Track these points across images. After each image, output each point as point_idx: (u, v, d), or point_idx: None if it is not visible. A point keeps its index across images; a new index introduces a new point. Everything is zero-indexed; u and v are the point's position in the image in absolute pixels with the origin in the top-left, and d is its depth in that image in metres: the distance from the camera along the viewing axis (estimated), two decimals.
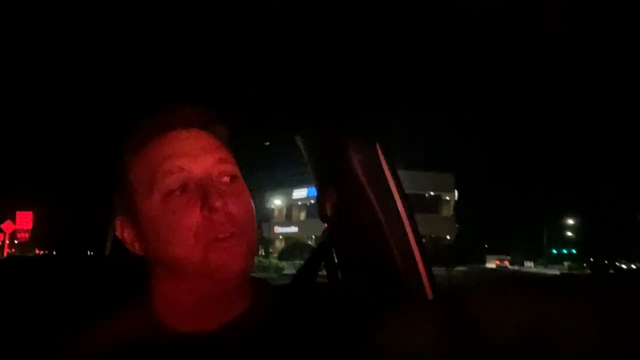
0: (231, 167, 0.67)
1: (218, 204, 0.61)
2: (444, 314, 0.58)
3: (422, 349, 0.56)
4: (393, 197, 0.93)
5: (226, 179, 0.65)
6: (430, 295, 0.91)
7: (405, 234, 0.92)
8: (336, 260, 0.94)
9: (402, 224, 0.92)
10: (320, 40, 0.87)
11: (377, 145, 0.94)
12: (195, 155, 0.64)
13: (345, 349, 0.62)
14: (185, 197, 0.62)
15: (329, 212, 0.92)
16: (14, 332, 0.82)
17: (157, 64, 0.93)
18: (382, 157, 0.94)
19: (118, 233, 0.69)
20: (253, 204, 0.68)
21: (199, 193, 0.62)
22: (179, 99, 0.71)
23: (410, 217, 0.94)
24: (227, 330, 0.64)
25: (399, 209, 0.93)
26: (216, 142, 0.68)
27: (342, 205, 0.93)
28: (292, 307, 0.70)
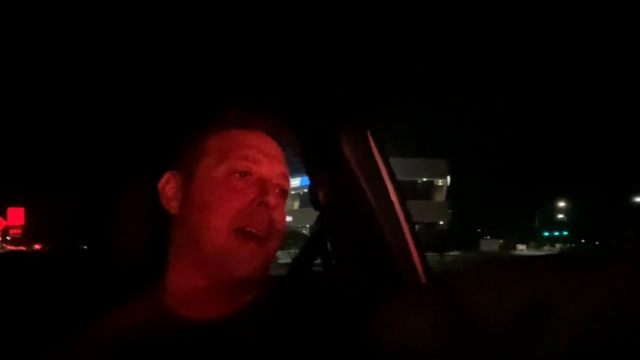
0: (288, 185, 0.73)
1: (272, 201, 0.65)
2: (437, 298, 0.59)
3: (417, 333, 0.57)
4: (385, 184, 0.93)
5: (280, 192, 0.71)
6: (424, 280, 0.92)
7: (398, 219, 0.92)
8: (330, 248, 0.95)
9: (395, 210, 0.93)
10: (311, 30, 0.87)
11: (368, 133, 0.95)
12: (270, 158, 0.70)
13: (342, 337, 0.63)
14: (246, 183, 0.67)
15: (321, 200, 0.92)
16: (25, 326, 0.83)
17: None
18: (373, 144, 0.94)
19: (160, 185, 0.72)
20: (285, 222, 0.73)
21: (258, 185, 0.67)
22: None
23: (403, 203, 0.95)
24: (233, 319, 0.66)
25: (391, 195, 0.93)
26: (284, 160, 0.75)
27: (334, 193, 0.93)
28: (291, 297, 0.71)
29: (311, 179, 0.96)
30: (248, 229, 0.64)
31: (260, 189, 0.66)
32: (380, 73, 1.03)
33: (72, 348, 0.63)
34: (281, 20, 0.84)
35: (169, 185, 0.72)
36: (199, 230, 0.65)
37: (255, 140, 0.70)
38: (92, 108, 1.07)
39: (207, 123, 0.72)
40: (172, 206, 0.71)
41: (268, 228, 0.66)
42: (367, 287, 0.77)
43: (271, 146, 0.72)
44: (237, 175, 0.67)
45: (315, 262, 0.94)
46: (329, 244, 0.95)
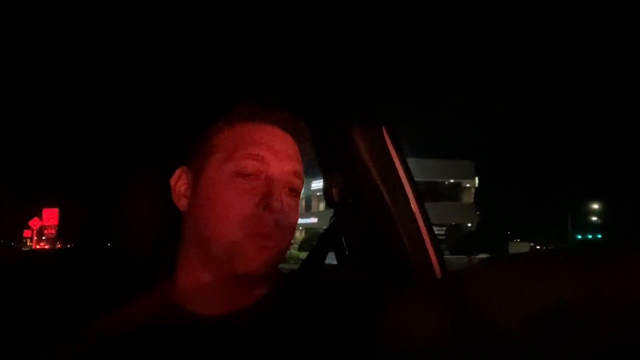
0: (300, 183, 0.71)
1: (276, 205, 0.64)
2: (452, 295, 0.57)
3: (430, 329, 0.56)
4: (400, 180, 0.93)
5: (291, 190, 0.69)
6: (439, 277, 0.91)
7: (413, 215, 0.91)
8: (345, 245, 0.95)
9: (410, 206, 0.92)
10: (324, 25, 0.87)
11: (383, 129, 0.94)
12: (279, 156, 0.68)
13: (354, 333, 0.63)
14: (252, 184, 0.65)
15: (335, 197, 0.92)
16: (42, 316, 0.85)
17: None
18: (388, 140, 0.94)
19: (172, 181, 0.72)
20: (297, 221, 0.72)
21: (265, 187, 0.65)
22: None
23: (418, 199, 0.94)
24: (244, 315, 0.66)
25: (407, 191, 0.93)
26: (298, 155, 0.72)
27: (348, 190, 0.93)
28: (302, 293, 0.71)
29: (325, 176, 0.96)
30: (253, 232, 0.63)
31: (266, 191, 0.65)
32: (399, 69, 1.01)
33: (82, 341, 0.64)
34: (295, 14, 0.83)
35: (180, 182, 0.72)
36: (206, 228, 0.65)
37: (265, 136, 0.69)
38: (108, 107, 1.10)
39: (216, 118, 0.71)
40: (182, 203, 0.71)
41: (274, 230, 0.65)
42: (380, 283, 0.77)
43: (283, 141, 0.70)
44: (244, 175, 0.65)
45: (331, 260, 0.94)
46: (343, 240, 0.94)
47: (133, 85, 1.00)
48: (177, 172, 0.72)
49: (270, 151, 0.68)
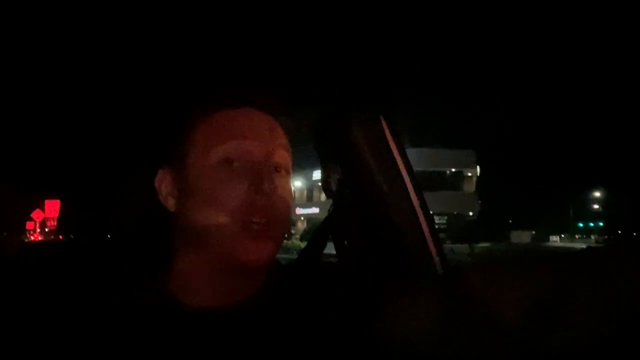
0: (287, 158, 0.68)
1: (267, 188, 0.62)
2: (453, 289, 0.57)
3: (430, 324, 0.56)
4: (399, 170, 0.91)
5: (278, 169, 0.66)
6: (440, 271, 0.90)
7: (413, 207, 0.90)
8: (343, 236, 0.94)
9: (409, 197, 0.91)
10: (323, 16, 0.85)
11: (382, 118, 0.93)
12: (260, 137, 0.66)
13: (352, 327, 0.62)
14: (238, 170, 0.63)
15: (333, 188, 0.91)
16: (41, 308, 0.85)
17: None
18: (387, 130, 0.92)
19: (157, 184, 0.69)
20: (292, 199, 0.70)
21: (252, 172, 0.63)
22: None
23: (418, 190, 0.92)
24: (241, 307, 0.65)
25: (406, 182, 0.91)
26: (280, 130, 0.69)
27: (346, 180, 0.92)
28: (300, 285, 0.70)
29: (323, 167, 0.95)
30: (250, 219, 0.62)
31: (253, 175, 0.63)
32: (399, 59, 1.00)
33: (78, 334, 0.64)
34: (294, 6, 0.82)
35: (164, 183, 0.69)
36: (200, 224, 0.63)
37: (241, 120, 0.66)
38: (105, 103, 1.09)
39: (192, 111, 0.69)
40: (170, 204, 0.68)
41: (270, 214, 0.63)
42: (380, 276, 0.76)
43: (260, 121, 0.67)
44: (227, 163, 0.63)
45: (329, 251, 0.93)
46: (342, 232, 0.94)
47: (129, 83, 0.99)
48: (159, 174, 0.70)
49: (250, 133, 0.65)
